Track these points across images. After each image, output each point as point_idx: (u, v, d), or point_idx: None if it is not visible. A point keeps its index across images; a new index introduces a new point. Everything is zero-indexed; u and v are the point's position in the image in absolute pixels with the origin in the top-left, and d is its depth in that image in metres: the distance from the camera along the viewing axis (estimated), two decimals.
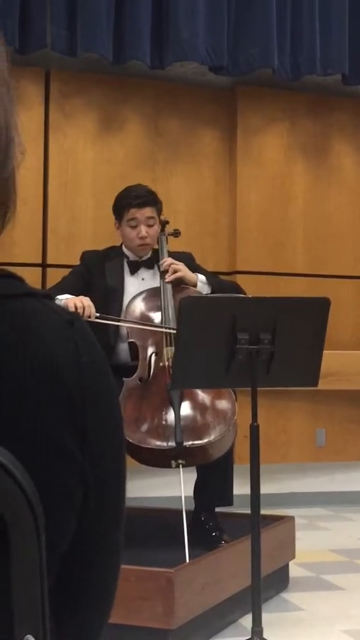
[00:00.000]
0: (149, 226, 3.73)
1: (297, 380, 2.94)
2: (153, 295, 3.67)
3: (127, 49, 4.97)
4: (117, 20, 4.93)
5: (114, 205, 3.82)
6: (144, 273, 3.79)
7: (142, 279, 3.78)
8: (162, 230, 3.85)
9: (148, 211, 3.73)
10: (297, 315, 2.77)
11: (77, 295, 3.51)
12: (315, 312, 2.79)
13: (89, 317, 3.35)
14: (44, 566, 0.70)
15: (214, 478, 3.49)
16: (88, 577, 0.83)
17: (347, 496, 5.79)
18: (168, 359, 3.40)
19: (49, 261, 5.22)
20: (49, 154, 5.30)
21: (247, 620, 2.93)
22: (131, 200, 3.73)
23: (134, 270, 3.79)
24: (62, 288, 3.66)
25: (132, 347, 3.60)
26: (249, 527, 2.73)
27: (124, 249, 3.82)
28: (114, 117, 5.47)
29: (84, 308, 3.38)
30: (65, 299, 3.45)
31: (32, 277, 4.90)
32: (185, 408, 3.29)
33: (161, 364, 3.46)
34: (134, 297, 3.67)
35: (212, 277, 3.84)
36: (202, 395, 3.34)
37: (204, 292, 3.68)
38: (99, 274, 3.76)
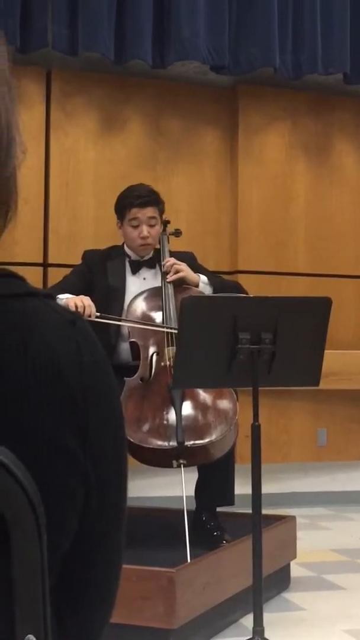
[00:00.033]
0: (151, 226, 3.73)
1: (298, 380, 2.94)
2: (154, 295, 3.67)
3: (128, 48, 4.97)
4: (118, 20, 4.93)
5: (116, 205, 3.82)
6: (145, 273, 3.79)
7: (144, 279, 3.78)
8: (164, 229, 3.85)
9: (150, 211, 3.73)
10: (298, 315, 2.77)
11: (78, 295, 3.51)
12: (316, 311, 2.78)
13: (89, 316, 3.35)
14: (46, 566, 0.70)
15: (215, 478, 3.49)
16: (89, 576, 0.83)
17: (348, 496, 5.78)
18: (169, 359, 3.40)
19: (50, 261, 5.21)
20: (50, 153, 5.29)
21: (248, 620, 2.93)
22: (133, 200, 3.72)
23: (135, 269, 3.79)
24: (63, 287, 3.66)
25: (134, 346, 3.60)
26: (250, 526, 2.73)
27: (126, 249, 3.82)
28: (115, 116, 5.47)
29: (84, 307, 3.38)
30: (65, 298, 3.45)
31: (33, 277, 4.90)
32: (187, 408, 3.29)
33: (162, 364, 3.46)
34: (136, 297, 3.67)
35: (214, 277, 3.84)
36: (204, 395, 3.34)
37: (206, 293, 3.67)
38: (100, 273, 3.76)
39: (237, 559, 3.17)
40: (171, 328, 3.47)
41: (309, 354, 2.82)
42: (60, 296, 3.48)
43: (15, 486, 0.68)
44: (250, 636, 2.67)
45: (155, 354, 3.52)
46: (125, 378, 3.43)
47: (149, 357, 3.52)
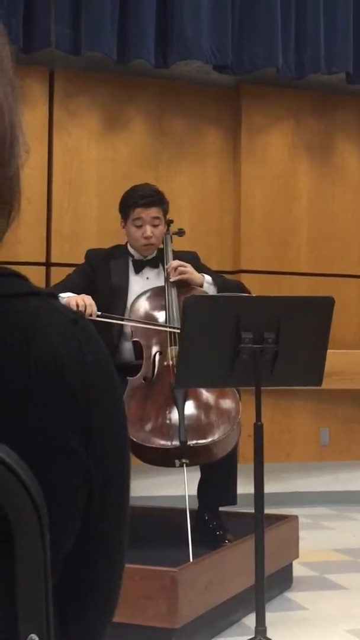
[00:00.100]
0: (154, 226, 3.73)
1: (301, 379, 2.94)
2: (157, 295, 3.67)
3: (131, 48, 4.97)
4: (121, 19, 4.93)
5: (120, 204, 3.81)
6: (148, 272, 3.79)
7: (147, 278, 3.78)
8: (167, 229, 3.85)
9: (154, 211, 3.73)
10: (301, 315, 2.77)
11: (80, 294, 3.51)
12: (319, 311, 2.78)
13: (91, 315, 3.35)
14: (48, 565, 0.70)
15: (217, 477, 3.49)
16: (92, 576, 0.83)
17: (350, 495, 5.78)
18: (172, 358, 3.40)
19: (53, 260, 5.22)
20: (53, 152, 5.30)
21: (250, 620, 2.93)
22: (137, 199, 3.72)
23: (138, 269, 3.79)
24: (65, 286, 3.66)
25: (136, 346, 3.60)
26: (252, 526, 2.73)
27: (129, 248, 3.82)
28: (118, 116, 5.47)
29: (85, 306, 3.38)
30: (67, 297, 3.45)
31: (36, 276, 4.90)
32: (189, 407, 3.29)
33: (165, 363, 3.46)
34: (139, 296, 3.67)
35: (218, 277, 3.83)
36: (206, 395, 3.34)
37: (210, 293, 3.67)
38: (103, 272, 3.76)
39: (240, 558, 3.17)
40: (173, 327, 3.47)
41: (312, 353, 2.81)
42: (62, 295, 3.48)
43: (18, 486, 0.68)
44: (253, 636, 2.67)
45: (158, 354, 3.52)
46: (127, 377, 3.43)
47: (152, 357, 3.52)
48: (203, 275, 3.73)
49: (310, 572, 3.98)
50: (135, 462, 3.18)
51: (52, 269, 5.18)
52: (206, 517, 3.47)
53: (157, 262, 3.80)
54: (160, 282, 3.72)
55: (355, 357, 5.60)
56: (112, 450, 0.80)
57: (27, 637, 0.68)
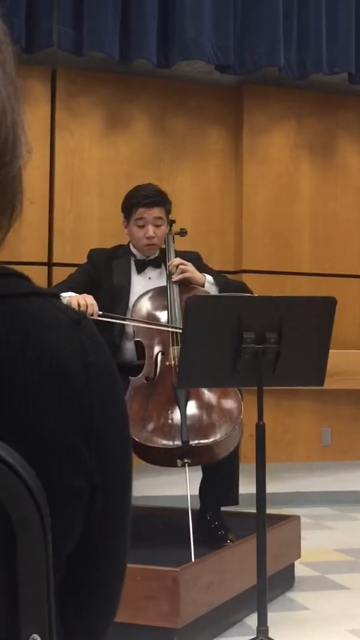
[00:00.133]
0: (157, 226, 3.72)
1: (303, 379, 2.94)
2: (159, 295, 3.67)
3: (133, 47, 4.97)
4: (123, 19, 4.93)
5: (123, 204, 3.81)
6: (150, 272, 3.79)
7: (149, 278, 3.78)
8: (169, 229, 3.84)
9: (156, 211, 3.72)
10: (303, 315, 2.77)
11: (82, 293, 3.51)
12: (321, 311, 2.78)
13: (92, 315, 3.35)
14: (51, 566, 0.70)
15: (219, 477, 3.49)
16: (94, 576, 0.83)
17: (353, 495, 5.78)
18: (174, 358, 3.40)
19: (55, 260, 5.22)
20: (55, 152, 5.30)
21: (252, 620, 2.93)
22: (140, 199, 3.72)
23: (141, 269, 3.79)
24: (68, 286, 3.66)
25: (139, 346, 3.60)
26: (254, 526, 2.73)
27: (131, 248, 3.82)
28: (120, 115, 5.47)
29: (86, 306, 3.38)
30: (68, 297, 3.45)
31: (38, 276, 4.91)
32: (192, 407, 3.29)
33: (167, 363, 3.46)
34: (141, 296, 3.67)
35: (220, 277, 3.83)
36: (208, 395, 3.34)
37: (212, 293, 3.67)
38: (105, 272, 3.76)
39: (242, 558, 3.17)
40: (174, 327, 3.47)
41: (314, 353, 2.81)
42: (64, 294, 3.48)
43: (20, 486, 0.68)
44: (255, 636, 2.67)
45: (160, 354, 3.52)
46: (130, 377, 3.43)
47: (154, 357, 3.52)
48: (204, 275, 3.73)
49: (312, 572, 3.98)
50: (137, 462, 3.17)
51: (54, 268, 5.18)
52: (208, 517, 3.47)
53: (159, 262, 3.80)
54: (163, 282, 3.72)
55: (357, 357, 5.60)
56: (114, 450, 0.80)
57: (29, 638, 0.68)
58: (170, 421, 3.24)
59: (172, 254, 3.78)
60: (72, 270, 3.90)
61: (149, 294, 3.68)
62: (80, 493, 0.76)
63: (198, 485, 3.53)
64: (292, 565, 3.76)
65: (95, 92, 5.40)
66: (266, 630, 2.66)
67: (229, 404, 3.32)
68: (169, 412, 3.27)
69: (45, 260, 5.21)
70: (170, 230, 3.85)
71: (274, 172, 5.75)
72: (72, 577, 0.80)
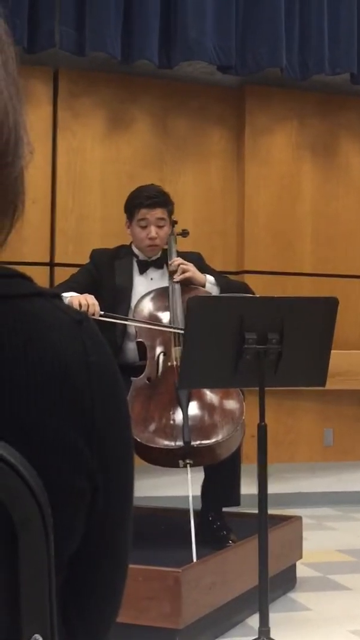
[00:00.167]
0: (159, 227, 3.72)
1: (305, 380, 2.94)
2: (161, 295, 3.67)
3: (135, 48, 4.97)
4: (125, 20, 4.94)
5: (126, 205, 3.81)
6: (153, 273, 3.79)
7: (151, 279, 3.78)
8: (171, 230, 3.84)
9: (159, 212, 3.72)
10: (305, 315, 2.77)
11: (84, 293, 3.51)
12: (323, 311, 2.78)
13: (93, 315, 3.35)
14: (52, 566, 0.70)
15: (221, 478, 3.49)
16: (96, 576, 0.83)
17: (355, 496, 5.78)
18: (176, 359, 3.40)
19: (57, 260, 5.22)
20: (57, 153, 5.30)
21: (254, 620, 2.93)
22: (142, 200, 3.72)
23: (143, 269, 3.79)
24: (70, 286, 3.66)
25: (140, 346, 3.60)
26: (256, 526, 2.73)
27: (134, 248, 3.82)
28: (122, 116, 5.47)
29: (88, 306, 3.38)
30: (70, 297, 3.45)
31: (40, 276, 4.91)
32: (193, 408, 3.29)
33: (169, 364, 3.46)
34: (143, 297, 3.67)
35: (221, 278, 3.83)
36: (210, 395, 3.34)
37: (213, 293, 3.67)
38: (108, 272, 3.76)
39: (243, 559, 3.17)
40: (176, 328, 3.47)
41: (316, 354, 2.81)
42: (65, 294, 3.48)
43: (22, 487, 0.68)
44: (256, 636, 2.67)
45: (162, 354, 3.52)
46: (132, 378, 3.43)
47: (156, 357, 3.52)
48: (205, 276, 3.73)
49: (314, 572, 3.98)
50: (139, 462, 3.18)
51: (56, 269, 5.18)
52: (210, 518, 3.47)
53: (161, 262, 3.80)
54: (165, 283, 3.72)
55: (359, 357, 5.60)
56: (116, 451, 0.80)
57: (31, 638, 0.68)
58: (172, 422, 3.24)
59: (174, 254, 3.78)
60: (75, 270, 3.90)
61: (151, 295, 3.68)
62: (82, 493, 0.76)
63: (200, 486, 3.53)
64: (294, 565, 3.76)
65: (98, 92, 5.40)
66: (268, 631, 2.66)
67: (231, 404, 3.32)
68: (171, 412, 3.27)
69: (47, 260, 5.21)
70: (172, 231, 3.85)
71: (276, 172, 5.75)
72: (74, 578, 0.80)
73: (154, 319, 3.61)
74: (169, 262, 3.74)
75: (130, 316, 3.64)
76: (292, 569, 3.75)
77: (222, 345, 2.71)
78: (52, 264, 5.22)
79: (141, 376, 3.46)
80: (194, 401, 3.30)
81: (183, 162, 5.59)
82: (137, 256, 3.80)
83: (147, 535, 3.34)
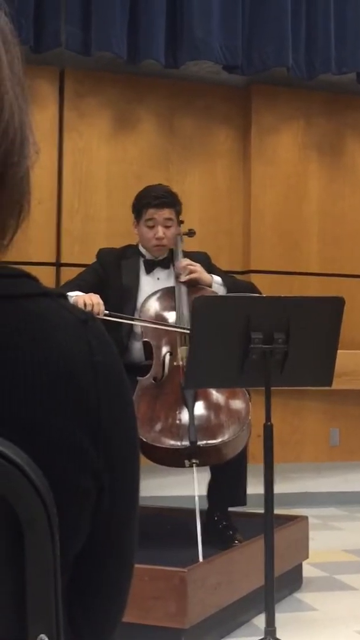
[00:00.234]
0: (166, 227, 3.72)
1: (311, 380, 2.93)
2: (168, 295, 3.67)
3: (141, 48, 4.97)
4: (131, 20, 4.94)
5: (134, 204, 3.81)
6: (159, 272, 3.79)
7: (158, 279, 3.77)
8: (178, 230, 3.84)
9: (166, 212, 3.72)
10: (311, 315, 2.76)
11: (90, 292, 3.51)
12: (329, 311, 2.78)
13: (97, 314, 3.34)
14: (58, 566, 0.70)
15: (227, 478, 3.49)
16: (101, 576, 0.83)
17: None
18: (182, 359, 3.40)
19: (63, 260, 5.23)
20: (64, 153, 5.31)
21: (260, 620, 2.93)
22: (150, 200, 3.72)
23: (149, 269, 3.78)
24: (76, 284, 3.67)
25: (146, 346, 3.60)
26: (262, 526, 2.72)
27: (140, 248, 3.82)
28: (128, 116, 5.47)
29: (92, 305, 3.38)
30: (75, 296, 3.45)
31: (46, 276, 4.91)
32: (199, 407, 3.29)
33: (175, 364, 3.46)
34: (149, 296, 3.67)
35: (228, 278, 3.83)
36: (216, 395, 3.34)
37: (220, 293, 3.66)
38: (114, 272, 3.76)
39: (249, 558, 3.16)
40: (181, 328, 3.47)
41: (322, 354, 2.81)
42: (70, 294, 3.48)
43: (28, 486, 0.68)
44: (262, 636, 2.67)
45: (168, 354, 3.52)
46: (138, 377, 3.43)
47: (162, 357, 3.52)
48: (212, 276, 3.73)
49: (320, 572, 3.98)
50: (145, 462, 3.18)
51: (62, 269, 5.19)
52: (216, 518, 3.47)
53: (168, 262, 3.79)
54: (171, 283, 3.71)
55: None
56: (121, 450, 0.80)
57: (37, 637, 0.68)
58: (178, 421, 3.24)
59: (181, 254, 3.78)
60: (80, 270, 3.90)
61: (157, 295, 3.67)
62: (88, 493, 0.76)
63: (206, 486, 3.53)
64: (300, 565, 3.76)
65: (103, 92, 5.41)
66: (274, 631, 2.65)
67: (237, 404, 3.32)
68: (177, 412, 3.27)
69: (53, 260, 5.22)
70: (179, 230, 3.84)
71: (282, 172, 5.75)
72: (79, 577, 0.80)
73: (160, 319, 3.61)
74: (176, 263, 3.73)
75: (137, 316, 3.64)
76: (298, 569, 3.75)
77: (228, 345, 2.71)
78: (58, 264, 5.23)
79: (147, 376, 3.46)
80: (200, 401, 3.30)
81: (189, 161, 5.59)
82: (143, 256, 3.80)
83: (153, 535, 3.34)
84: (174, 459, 3.21)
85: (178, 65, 5.14)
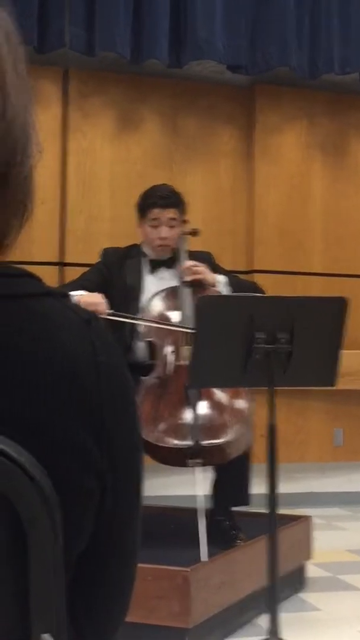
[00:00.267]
0: (171, 227, 3.72)
1: (314, 379, 2.93)
2: (171, 295, 3.67)
3: (145, 48, 4.97)
4: (135, 20, 4.94)
5: (138, 204, 3.81)
6: (163, 272, 3.78)
7: (162, 278, 3.77)
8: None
9: (171, 212, 3.72)
10: (314, 315, 2.76)
11: (94, 292, 3.51)
12: (333, 311, 2.77)
13: (100, 314, 3.35)
14: (61, 565, 0.70)
15: (231, 477, 3.49)
16: (105, 576, 0.83)
17: None
18: (186, 358, 3.40)
19: (67, 260, 5.23)
20: (67, 153, 5.31)
21: (263, 620, 2.92)
22: (155, 200, 3.72)
23: (153, 269, 3.78)
24: (80, 284, 3.67)
25: (150, 345, 3.60)
26: (266, 526, 2.72)
27: (145, 248, 3.82)
28: (131, 116, 5.47)
29: (95, 305, 3.38)
30: (77, 295, 3.45)
31: (49, 276, 4.91)
32: (203, 407, 3.28)
33: (179, 363, 3.46)
34: (153, 296, 3.67)
35: (232, 277, 3.82)
36: (220, 395, 3.34)
37: (224, 293, 3.66)
38: (118, 271, 3.76)
39: (253, 558, 3.16)
40: (184, 327, 3.47)
41: (326, 353, 2.80)
42: (73, 293, 3.48)
43: (31, 486, 0.68)
44: (266, 636, 2.66)
45: (172, 353, 3.52)
46: (141, 377, 3.43)
47: (166, 357, 3.52)
48: (216, 276, 3.73)
49: (324, 572, 3.98)
50: (148, 461, 3.18)
51: (66, 269, 5.19)
52: (219, 517, 3.46)
53: (172, 262, 3.79)
54: (175, 283, 3.71)
55: None
56: (124, 451, 0.80)
57: (40, 637, 0.69)
58: (181, 421, 3.24)
59: (185, 254, 3.78)
60: (84, 270, 3.90)
61: (161, 294, 3.67)
62: (91, 493, 0.76)
63: (209, 485, 3.53)
64: (304, 565, 3.76)
65: (107, 92, 5.41)
66: (277, 631, 2.65)
67: (241, 404, 3.32)
68: (181, 412, 3.27)
69: (56, 260, 5.22)
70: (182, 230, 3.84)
71: (286, 172, 5.75)
72: (82, 577, 0.80)
73: (163, 318, 3.61)
74: (180, 263, 3.73)
75: (141, 315, 3.64)
76: (302, 569, 3.75)
77: (232, 344, 2.71)
78: (61, 264, 5.23)
79: (151, 375, 3.46)
80: (204, 401, 3.30)
81: (193, 161, 5.59)
82: (147, 256, 3.80)
83: (157, 534, 3.34)
84: (177, 459, 3.21)
85: (181, 65, 5.14)
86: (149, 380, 3.44)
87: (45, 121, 5.01)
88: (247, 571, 3.15)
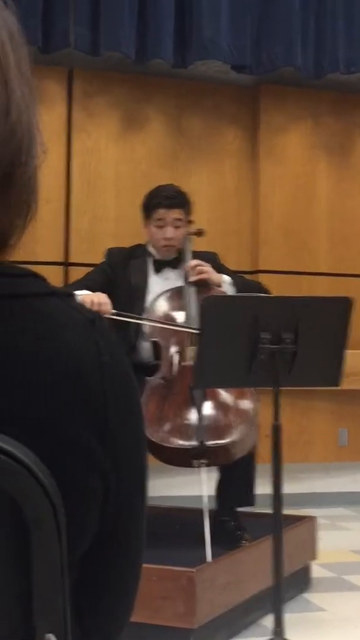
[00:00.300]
0: (176, 227, 3.72)
1: (319, 379, 2.93)
2: (176, 295, 3.67)
3: (149, 48, 4.97)
4: (139, 20, 4.94)
5: (144, 204, 3.81)
6: (168, 272, 3.78)
7: (167, 279, 3.77)
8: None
9: (176, 213, 3.72)
10: (319, 315, 2.76)
11: (98, 292, 3.51)
12: (338, 311, 2.77)
13: (104, 314, 3.34)
14: (65, 566, 0.70)
15: (236, 478, 3.49)
16: (109, 576, 0.83)
17: None
18: (191, 359, 3.40)
19: (71, 260, 5.23)
20: (72, 153, 5.31)
21: (268, 620, 2.92)
22: (161, 200, 3.72)
23: (158, 269, 3.78)
24: (84, 284, 3.67)
25: (155, 346, 3.60)
26: (270, 526, 2.72)
27: (150, 248, 3.82)
28: (136, 116, 5.47)
29: (99, 305, 3.38)
30: (81, 295, 3.45)
31: (54, 276, 4.92)
32: (208, 407, 3.28)
33: (184, 363, 3.46)
34: (158, 296, 3.67)
35: (237, 277, 3.82)
36: (225, 395, 3.34)
37: (229, 293, 3.66)
38: (123, 271, 3.76)
39: (258, 559, 3.16)
40: (189, 327, 3.47)
41: (330, 353, 2.80)
42: (78, 293, 3.48)
43: (36, 487, 0.68)
44: (271, 636, 2.67)
45: (176, 354, 3.51)
46: (146, 377, 3.43)
47: (171, 357, 3.51)
48: (221, 276, 3.72)
49: (328, 573, 3.97)
50: (153, 462, 3.18)
51: (70, 268, 5.19)
52: (224, 518, 3.46)
53: (177, 262, 3.79)
54: (180, 283, 3.71)
55: None
56: (128, 451, 0.80)
57: (45, 637, 0.68)
58: (186, 421, 3.24)
59: (190, 254, 3.78)
60: (88, 270, 3.90)
61: (166, 294, 3.67)
62: (95, 493, 0.76)
63: (214, 486, 3.53)
64: (308, 566, 3.76)
65: (112, 92, 5.41)
66: (282, 631, 2.65)
67: (246, 404, 3.32)
68: (186, 412, 3.27)
69: (61, 260, 5.22)
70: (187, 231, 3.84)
71: (291, 172, 5.74)
72: (86, 577, 0.80)
73: (168, 319, 3.61)
74: (186, 263, 3.72)
75: (145, 315, 3.64)
76: (307, 569, 3.74)
77: (237, 344, 2.71)
78: (66, 264, 5.23)
79: (155, 376, 3.46)
80: (209, 401, 3.30)
81: (197, 161, 5.59)
82: (152, 256, 3.80)
83: (161, 534, 3.34)
84: (182, 459, 3.20)
85: (186, 65, 5.14)
86: (154, 380, 3.44)
87: (49, 121, 5.01)
88: (252, 571, 3.15)
